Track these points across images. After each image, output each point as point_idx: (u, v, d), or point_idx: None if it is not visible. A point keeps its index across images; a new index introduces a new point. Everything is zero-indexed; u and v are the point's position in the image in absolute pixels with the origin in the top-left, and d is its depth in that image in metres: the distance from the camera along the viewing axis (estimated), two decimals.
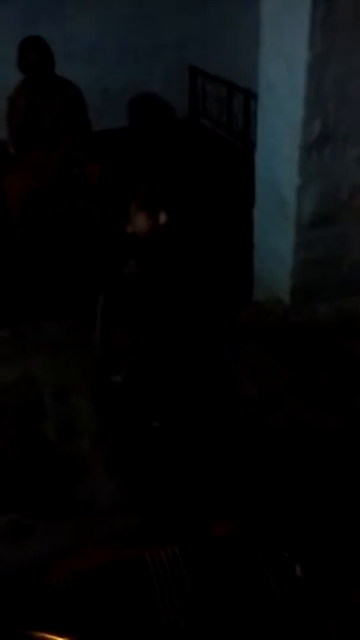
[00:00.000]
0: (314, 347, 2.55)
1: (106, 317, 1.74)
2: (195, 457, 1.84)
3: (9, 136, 3.75)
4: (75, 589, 1.04)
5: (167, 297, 1.59)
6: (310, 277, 2.75)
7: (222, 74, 4.32)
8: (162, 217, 1.48)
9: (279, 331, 2.68)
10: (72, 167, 3.54)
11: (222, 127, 4.43)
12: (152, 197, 1.47)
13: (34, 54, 3.45)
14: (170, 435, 1.83)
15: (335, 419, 2.15)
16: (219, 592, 1.11)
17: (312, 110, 2.45)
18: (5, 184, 3.50)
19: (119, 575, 1.09)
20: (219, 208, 3.41)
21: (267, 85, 2.68)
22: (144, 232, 1.51)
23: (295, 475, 1.93)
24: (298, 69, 2.40)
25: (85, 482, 1.98)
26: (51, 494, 1.94)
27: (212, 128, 4.60)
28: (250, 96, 3.78)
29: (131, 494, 1.91)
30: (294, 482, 1.90)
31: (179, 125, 4.81)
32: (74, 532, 1.78)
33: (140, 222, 1.51)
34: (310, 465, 1.97)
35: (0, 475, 2.00)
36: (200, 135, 4.66)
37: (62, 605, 1.02)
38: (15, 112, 3.65)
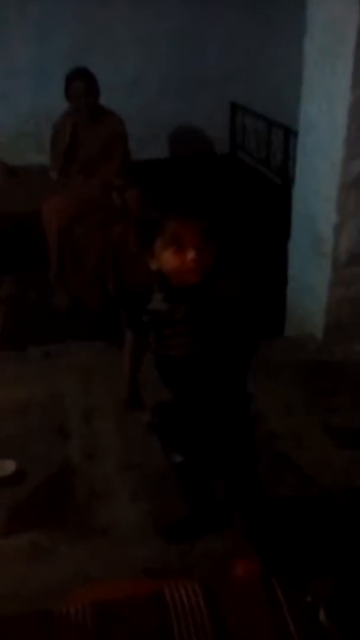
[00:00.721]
0: (347, 385, 2.52)
1: (133, 351, 1.72)
2: (219, 491, 1.81)
3: (52, 162, 3.85)
4: (92, 620, 1.03)
5: (196, 332, 1.56)
6: (344, 314, 2.73)
7: (263, 111, 4.39)
8: (190, 254, 1.44)
9: (312, 367, 2.65)
10: (111, 192, 3.60)
11: (261, 162, 4.48)
12: (180, 232, 1.44)
13: (80, 84, 3.56)
14: (194, 470, 1.80)
15: None
16: (237, 633, 1.09)
17: (353, 150, 2.46)
18: (46, 208, 3.58)
19: (137, 609, 1.07)
20: (255, 242, 3.43)
21: (308, 123, 2.72)
22: (171, 269, 1.47)
23: (323, 517, 1.89)
24: (340, 108, 2.42)
25: (107, 506, 1.97)
26: (73, 516, 1.93)
27: (251, 163, 4.65)
28: (289, 133, 3.82)
29: (153, 523, 1.89)
30: (321, 524, 1.86)
31: (218, 158, 4.88)
32: (94, 557, 1.76)
33: (167, 259, 1.47)
34: (339, 508, 1.92)
35: (22, 494, 2.00)
36: (239, 170, 4.72)
37: (80, 635, 1.01)
38: (59, 139, 3.76)
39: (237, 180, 4.38)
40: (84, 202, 3.56)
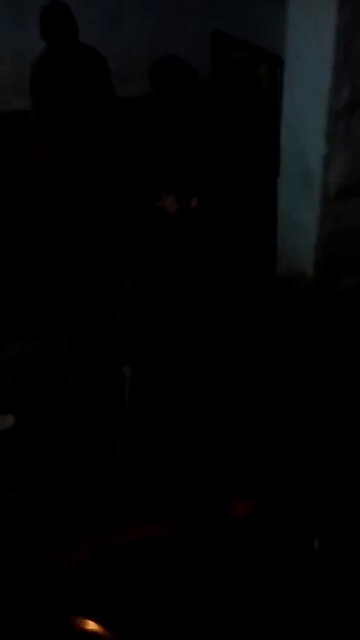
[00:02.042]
0: (339, 320, 2.52)
1: (131, 300, 1.72)
2: (216, 434, 1.85)
3: (33, 106, 3.72)
4: (95, 569, 1.06)
5: (192, 275, 1.57)
6: (335, 250, 2.70)
7: (247, 40, 4.21)
8: (193, 202, 1.47)
9: (302, 304, 2.65)
10: (96, 137, 3.50)
11: (246, 93, 4.33)
12: (182, 183, 1.45)
13: (57, 20, 3.39)
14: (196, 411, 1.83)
15: None
16: (236, 568, 1.13)
17: (341, 77, 2.37)
18: (30, 155, 3.49)
19: (137, 556, 1.11)
20: (243, 179, 3.35)
21: (294, 51, 2.61)
22: (172, 212, 1.50)
23: (316, 448, 1.93)
24: (326, 34, 2.32)
25: (107, 454, 2.00)
26: (73, 466, 1.97)
27: (236, 94, 4.50)
28: (276, 62, 3.68)
29: (152, 468, 1.93)
30: (314, 456, 1.90)
31: (202, 91, 4.71)
32: (95, 505, 1.80)
33: (169, 205, 1.49)
34: (330, 440, 1.96)
35: (24, 448, 2.04)
36: (224, 102, 4.57)
37: (83, 585, 1.04)
38: (39, 81, 3.62)
39: (222, 113, 4.25)
40: (67, 146, 3.47)
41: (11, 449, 2.01)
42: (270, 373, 2.20)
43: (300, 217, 2.77)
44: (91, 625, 0.88)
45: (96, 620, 0.89)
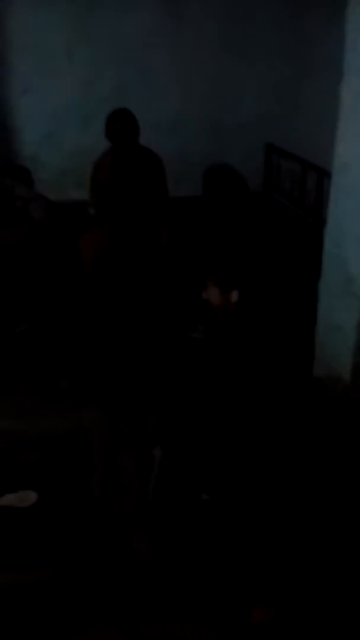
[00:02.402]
0: None
1: (170, 381, 1.75)
2: (241, 539, 1.78)
3: (90, 198, 3.96)
4: None
5: (227, 368, 1.60)
6: None
7: (298, 152, 4.44)
8: (234, 296, 1.53)
9: (338, 408, 2.61)
10: (147, 230, 3.68)
11: (294, 202, 4.51)
12: (227, 276, 1.52)
13: (120, 123, 3.68)
14: (219, 511, 1.78)
15: None
16: None
17: None
18: (83, 242, 3.67)
19: None
20: (286, 282, 3.43)
21: (341, 164, 2.73)
22: (215, 305, 1.56)
23: (338, 567, 1.83)
24: None
25: (125, 544, 1.95)
26: (92, 551, 1.91)
27: (284, 203, 4.69)
28: (323, 174, 3.85)
29: (171, 565, 1.86)
30: (335, 573, 1.80)
31: (251, 197, 4.94)
32: (109, 597, 1.73)
33: (212, 296, 1.56)
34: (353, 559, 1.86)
35: (43, 528, 2.00)
36: (272, 209, 4.76)
37: None
38: (99, 175, 3.87)
39: (270, 219, 4.42)
40: (119, 238, 3.64)
41: (31, 527, 1.97)
42: (300, 476, 2.14)
43: (340, 322, 2.79)
44: None
45: None
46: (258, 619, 1.50)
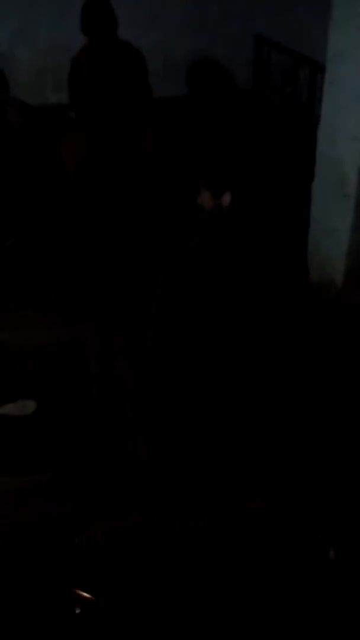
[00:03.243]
0: None
1: (165, 293, 1.73)
2: (234, 431, 1.84)
3: (70, 99, 3.75)
4: (104, 547, 1.07)
5: (222, 276, 1.58)
6: None
7: (289, 44, 4.19)
8: (226, 199, 1.48)
9: (331, 311, 2.63)
10: (131, 133, 3.52)
11: (286, 99, 4.31)
12: (217, 179, 1.46)
13: (96, 14, 3.42)
14: (214, 409, 1.82)
15: None
16: (245, 564, 1.11)
17: None
18: (64, 148, 3.52)
19: (146, 537, 1.11)
20: (277, 183, 3.34)
21: (336, 55, 2.58)
22: (208, 208, 1.51)
23: (337, 458, 1.91)
24: None
25: (125, 446, 2.00)
26: (91, 456, 1.97)
27: (275, 100, 4.48)
28: (317, 68, 3.65)
29: (169, 461, 1.92)
30: (335, 465, 1.88)
31: (239, 94, 4.71)
32: (112, 493, 1.81)
33: (204, 201, 1.51)
34: (349, 449, 1.93)
35: (44, 434, 2.05)
36: (263, 107, 4.55)
37: (91, 561, 1.05)
38: (77, 75, 3.65)
39: (261, 117, 4.23)
40: (101, 143, 3.49)
41: (32, 434, 2.02)
42: (292, 376, 2.18)
43: (333, 225, 2.74)
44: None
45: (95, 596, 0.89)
46: (252, 506, 1.57)
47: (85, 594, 0.90)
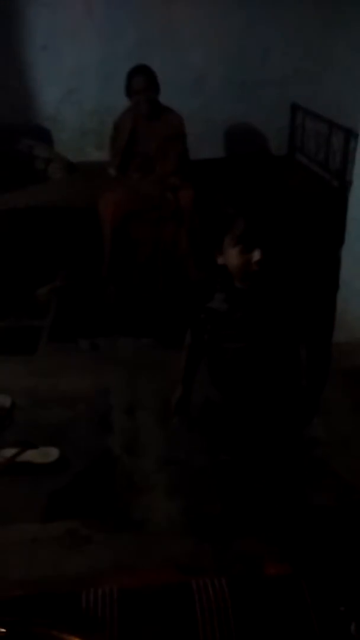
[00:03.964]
0: None
1: (192, 352, 1.73)
2: (258, 492, 1.80)
3: (111, 158, 3.91)
4: (118, 604, 1.05)
5: (251, 335, 1.57)
6: None
7: (324, 112, 4.32)
8: (256, 255, 1.45)
9: (358, 374, 2.60)
10: (166, 191, 3.63)
11: (319, 164, 4.41)
12: (248, 233, 1.45)
13: (140, 79, 3.60)
14: (236, 470, 1.79)
15: None
16: (261, 631, 1.08)
17: None
18: (102, 204, 3.64)
19: (162, 597, 1.09)
20: (309, 246, 3.38)
21: None
22: (235, 267, 1.49)
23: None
24: None
25: (144, 501, 1.99)
26: (111, 507, 1.96)
27: (309, 165, 4.58)
28: (350, 135, 3.75)
29: (188, 519, 1.89)
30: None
31: (276, 160, 4.84)
32: (128, 548, 1.78)
33: (232, 257, 1.48)
34: None
35: (63, 483, 2.04)
36: (296, 172, 4.66)
37: (102, 617, 1.02)
38: (119, 135, 3.81)
39: (294, 182, 4.33)
40: (139, 200, 3.60)
41: (52, 482, 2.02)
42: (314, 438, 2.15)
43: None
44: None
45: None
46: (271, 571, 1.53)
47: None
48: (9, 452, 2.08)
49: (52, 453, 2.11)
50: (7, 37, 4.38)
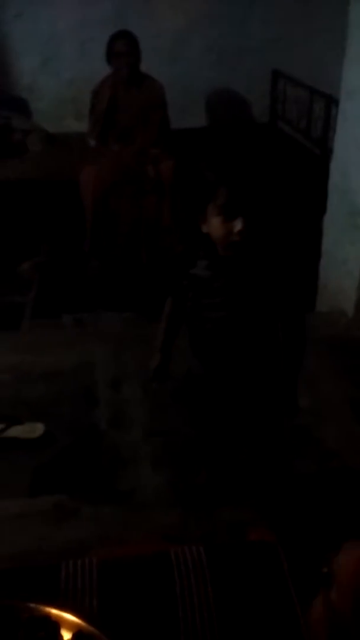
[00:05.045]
0: None
1: (171, 320, 1.73)
2: (241, 461, 1.83)
3: (90, 127, 3.84)
4: (97, 574, 1.07)
5: (232, 305, 1.57)
6: None
7: (305, 79, 4.26)
8: (238, 224, 1.44)
9: (340, 343, 2.62)
10: (147, 164, 3.59)
11: (301, 132, 4.37)
12: (230, 202, 1.44)
13: (121, 44, 3.52)
14: (220, 439, 1.82)
15: None
16: (239, 596, 1.10)
17: None
18: (83, 176, 3.59)
19: (141, 566, 1.11)
20: (290, 214, 3.37)
21: (349, 90, 2.63)
22: (218, 235, 1.49)
23: (343, 491, 1.89)
24: None
25: (130, 473, 2.01)
26: (97, 481, 1.98)
27: (290, 133, 4.54)
28: (331, 102, 3.71)
29: (174, 490, 1.93)
30: (340, 498, 1.86)
31: (256, 127, 4.78)
32: (115, 520, 1.81)
33: (215, 226, 1.47)
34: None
35: (50, 458, 2.06)
36: (278, 140, 4.62)
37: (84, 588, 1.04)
38: (98, 103, 3.74)
39: (276, 150, 4.29)
40: (120, 172, 3.56)
41: (38, 457, 2.04)
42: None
43: (345, 256, 2.76)
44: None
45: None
46: (254, 537, 1.56)
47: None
48: None
49: (37, 428, 2.12)
50: None
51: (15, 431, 2.11)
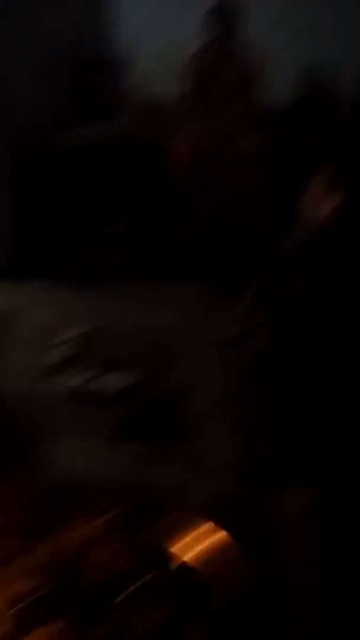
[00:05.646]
0: None
1: (257, 292, 1.76)
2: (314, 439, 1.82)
3: (184, 94, 3.83)
4: None
5: (316, 284, 1.58)
6: None
7: None
8: (341, 196, 1.42)
9: None
10: (238, 134, 3.58)
11: None
12: (340, 174, 1.41)
13: (228, 9, 3.51)
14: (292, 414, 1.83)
15: None
16: None
17: None
18: (174, 143, 3.62)
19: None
20: None
21: None
22: (316, 208, 1.48)
23: None
24: None
25: (204, 433, 2.10)
26: (172, 437, 2.08)
27: None
28: None
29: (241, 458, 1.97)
30: None
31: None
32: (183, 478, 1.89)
33: (316, 199, 1.46)
34: None
35: (131, 410, 2.17)
36: None
37: None
38: (194, 72, 3.72)
39: None
40: (211, 141, 3.57)
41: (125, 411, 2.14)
42: None
43: None
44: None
45: None
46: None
47: None
48: (84, 377, 2.23)
49: (122, 381, 2.22)
50: None
51: (102, 382, 2.22)
